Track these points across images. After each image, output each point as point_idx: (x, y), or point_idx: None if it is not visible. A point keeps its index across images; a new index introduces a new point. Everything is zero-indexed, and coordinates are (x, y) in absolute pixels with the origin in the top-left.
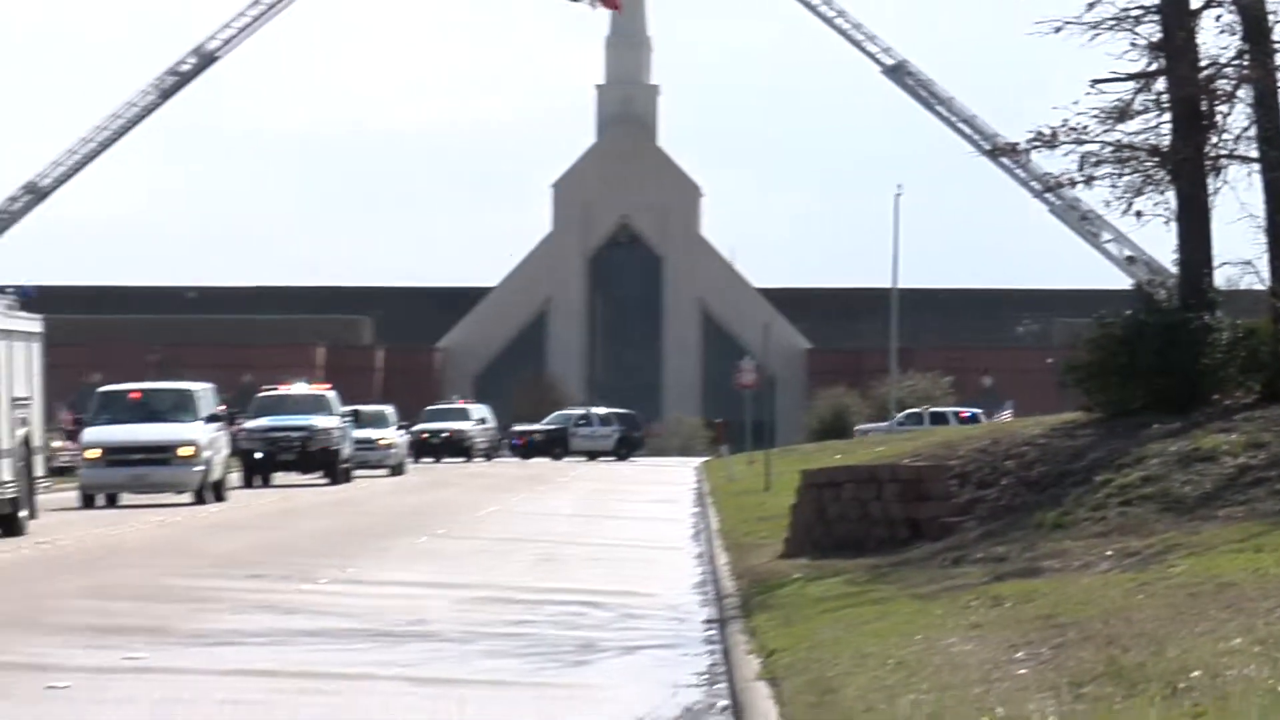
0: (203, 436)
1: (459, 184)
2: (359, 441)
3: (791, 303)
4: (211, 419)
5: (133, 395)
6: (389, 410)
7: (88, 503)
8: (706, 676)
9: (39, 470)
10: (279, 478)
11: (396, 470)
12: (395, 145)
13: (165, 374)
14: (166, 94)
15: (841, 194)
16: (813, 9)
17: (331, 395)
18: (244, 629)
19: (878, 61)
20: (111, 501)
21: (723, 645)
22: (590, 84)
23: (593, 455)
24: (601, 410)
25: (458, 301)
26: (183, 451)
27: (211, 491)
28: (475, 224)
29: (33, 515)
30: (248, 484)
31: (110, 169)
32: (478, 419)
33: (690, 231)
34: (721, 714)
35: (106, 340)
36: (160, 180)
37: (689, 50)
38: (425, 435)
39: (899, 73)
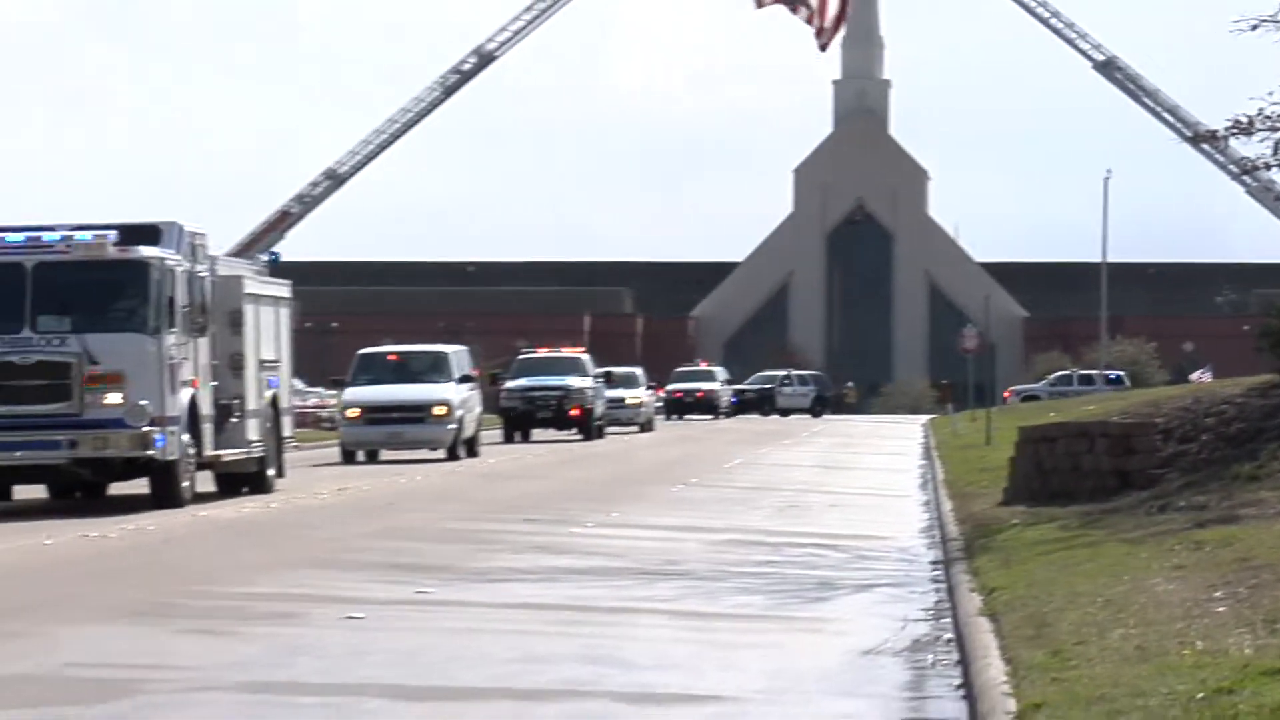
0: (455, 396)
1: (710, 169)
2: (611, 400)
3: (1010, 275)
4: (464, 379)
5: (390, 357)
6: (639, 372)
7: (348, 459)
8: (933, 612)
9: (286, 430)
10: (536, 434)
11: (645, 427)
12: (653, 134)
13: (450, 340)
14: (450, 90)
15: (1056, 176)
16: (1029, 10)
17: (585, 358)
18: (520, 567)
19: (1089, 58)
20: (371, 458)
21: (947, 584)
22: (828, 79)
23: (785, 412)
24: (800, 373)
25: (709, 274)
26: (437, 410)
27: (464, 448)
28: (724, 205)
29: (280, 474)
30: (508, 439)
31: (400, 157)
32: (723, 380)
33: (918, 211)
34: (946, 646)
35: (397, 310)
36: (444, 166)
37: (918, 47)
38: (679, 394)
39: (1109, 68)
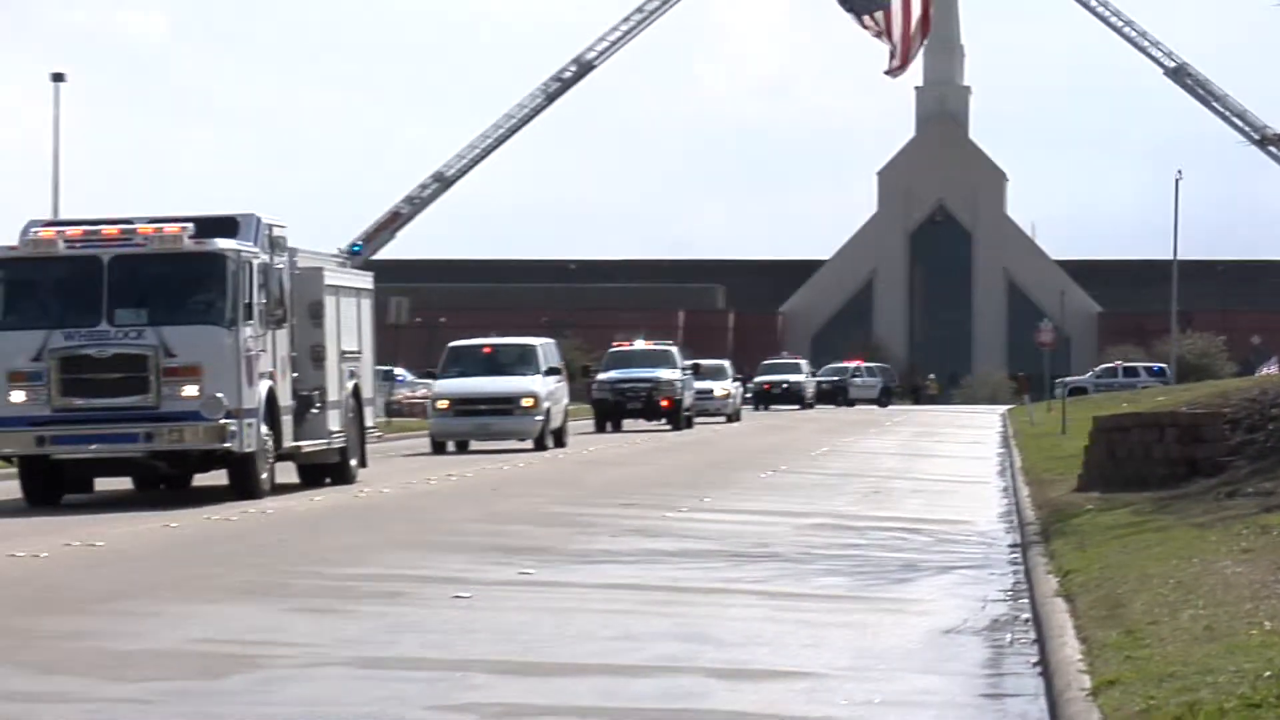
0: (542, 388)
1: (798, 172)
2: (699, 392)
3: (1085, 272)
4: (551, 372)
5: (482, 350)
6: (726, 364)
7: (437, 449)
8: (1011, 593)
9: (369, 421)
10: (626, 425)
11: (732, 417)
12: (743, 139)
13: (553, 334)
14: (551, 97)
15: (1129, 177)
16: (1104, 20)
17: (674, 350)
18: (618, 549)
19: (1160, 64)
20: (461, 448)
21: (1025, 566)
22: (910, 86)
23: (853, 403)
24: (869, 365)
25: (797, 272)
26: (524, 402)
27: (551, 438)
28: (812, 206)
29: (363, 463)
30: (599, 430)
31: (505, 160)
32: (807, 372)
33: (997, 211)
34: (1024, 625)
35: (503, 305)
36: (546, 169)
37: (997, 55)
38: (767, 386)
39: (1179, 74)
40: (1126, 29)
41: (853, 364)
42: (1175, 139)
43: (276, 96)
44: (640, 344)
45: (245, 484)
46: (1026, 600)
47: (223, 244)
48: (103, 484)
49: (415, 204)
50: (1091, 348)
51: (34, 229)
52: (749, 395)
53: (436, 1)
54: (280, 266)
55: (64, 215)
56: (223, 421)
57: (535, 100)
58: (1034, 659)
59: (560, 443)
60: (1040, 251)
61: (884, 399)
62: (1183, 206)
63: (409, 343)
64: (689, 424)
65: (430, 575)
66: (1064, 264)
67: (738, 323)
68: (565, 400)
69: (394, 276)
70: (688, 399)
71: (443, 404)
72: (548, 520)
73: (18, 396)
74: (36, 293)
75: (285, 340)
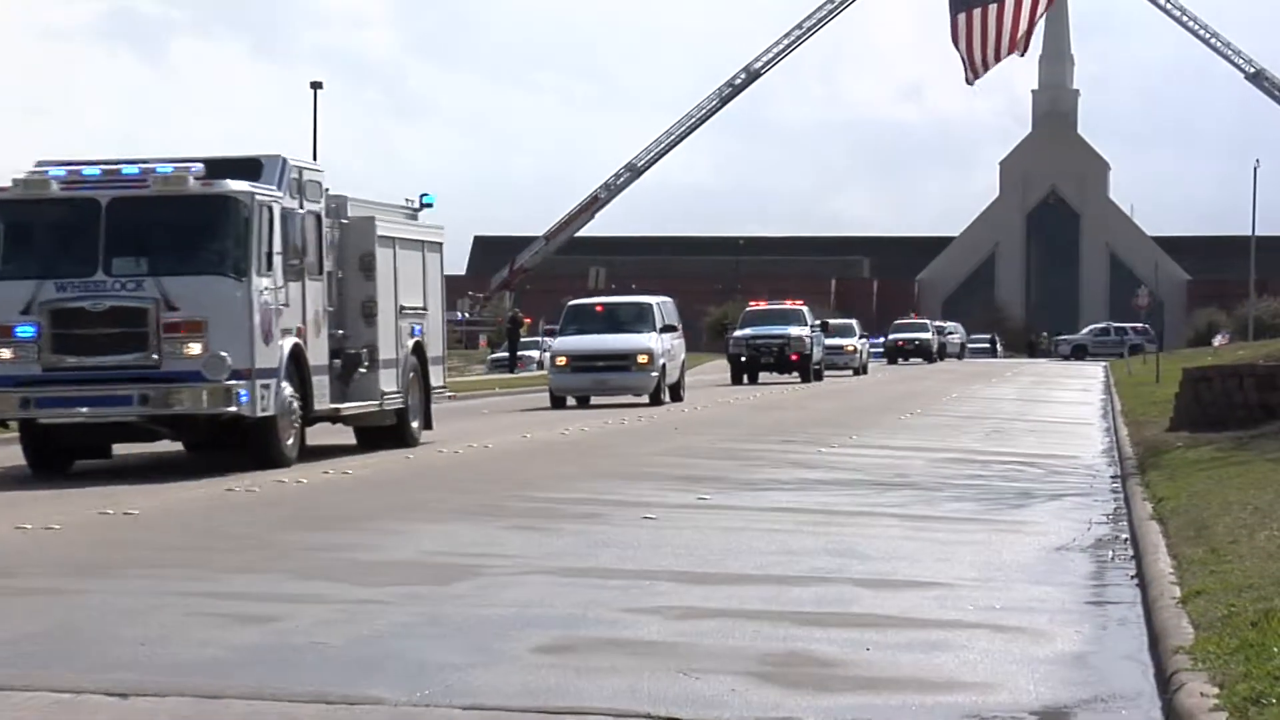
0: (658, 345)
1: (933, 162)
2: (829, 347)
3: (1176, 246)
4: (666, 329)
5: (598, 308)
6: (854, 323)
7: (556, 404)
8: (1112, 516)
9: (436, 380)
10: (763, 378)
11: (859, 371)
12: (883, 132)
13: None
14: (724, 100)
15: (1214, 165)
16: (1192, 31)
17: (805, 309)
18: (779, 478)
19: (1241, 69)
20: (582, 403)
21: (1124, 494)
22: (1027, 89)
23: (943, 357)
24: (948, 324)
25: (930, 246)
26: (640, 359)
27: (668, 393)
28: (944, 191)
29: (427, 425)
30: (735, 382)
31: (685, 153)
32: (933, 330)
33: (1101, 195)
34: (1123, 544)
35: (683, 274)
36: (719, 160)
37: (1101, 62)
38: (901, 342)
39: (1258, 78)
40: (1212, 40)
41: (948, 324)
42: (1254, 133)
43: (491, 101)
44: (773, 304)
45: (263, 452)
46: (1125, 523)
47: (234, 186)
48: (131, 449)
49: (611, 190)
50: (1181, 311)
51: (41, 169)
52: (883, 351)
53: (626, 19)
54: (309, 212)
55: None
56: (229, 383)
57: (711, 102)
58: (1131, 572)
59: (677, 397)
60: (1138, 229)
61: (961, 353)
62: (1261, 189)
63: None
64: (819, 377)
65: (624, 500)
66: (1158, 239)
67: (880, 289)
68: (682, 356)
69: (593, 250)
70: (817, 354)
71: (561, 360)
72: (720, 454)
73: (4, 354)
74: (29, 239)
75: (319, 294)
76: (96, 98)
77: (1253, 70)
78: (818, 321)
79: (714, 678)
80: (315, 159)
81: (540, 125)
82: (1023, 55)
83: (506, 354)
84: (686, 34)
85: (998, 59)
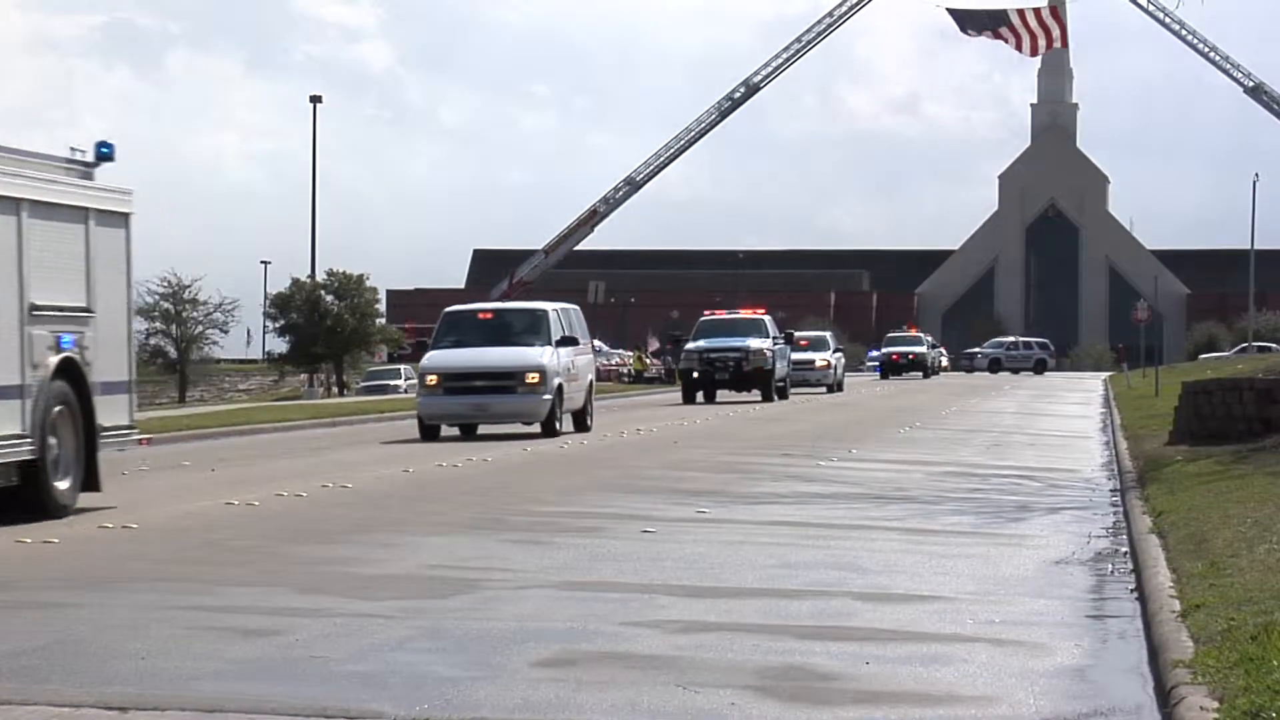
0: (552, 361)
1: (932, 175)
2: (798, 362)
3: (1176, 259)
4: (564, 342)
5: (481, 315)
6: (828, 335)
7: (428, 435)
8: (1111, 530)
9: (113, 417)
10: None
11: (834, 388)
12: (881, 146)
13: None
14: (724, 114)
15: (1213, 179)
16: (1191, 45)
17: (767, 319)
18: (778, 492)
19: (1240, 83)
20: (468, 432)
21: (1123, 507)
22: (1026, 103)
23: (937, 371)
24: (929, 338)
25: (929, 260)
26: (530, 378)
27: (570, 421)
28: (943, 203)
29: (91, 485)
30: (687, 401)
31: (684, 166)
32: (929, 344)
33: (1100, 209)
34: (1122, 558)
35: (682, 287)
36: (719, 173)
37: (1100, 75)
38: (895, 356)
39: (1257, 91)
40: (1211, 53)
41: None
42: (1253, 146)
43: (487, 113)
44: (730, 313)
45: None
46: (1125, 536)
47: None
48: None
49: (610, 203)
50: (1181, 324)
51: None
52: (878, 365)
53: (622, 32)
54: None
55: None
56: None
57: (710, 116)
58: (1131, 586)
59: (582, 425)
60: (1137, 242)
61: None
62: (1260, 203)
63: (605, 318)
64: (783, 395)
65: (624, 513)
66: (1158, 253)
67: (880, 302)
68: (590, 376)
69: (592, 263)
70: (780, 369)
71: (431, 379)
72: (720, 467)
73: None
74: None
75: None
76: (93, 109)
77: (1252, 84)
78: (782, 333)
79: (713, 691)
80: (315, 173)
81: (537, 138)
82: (1033, 54)
83: None
84: (682, 47)
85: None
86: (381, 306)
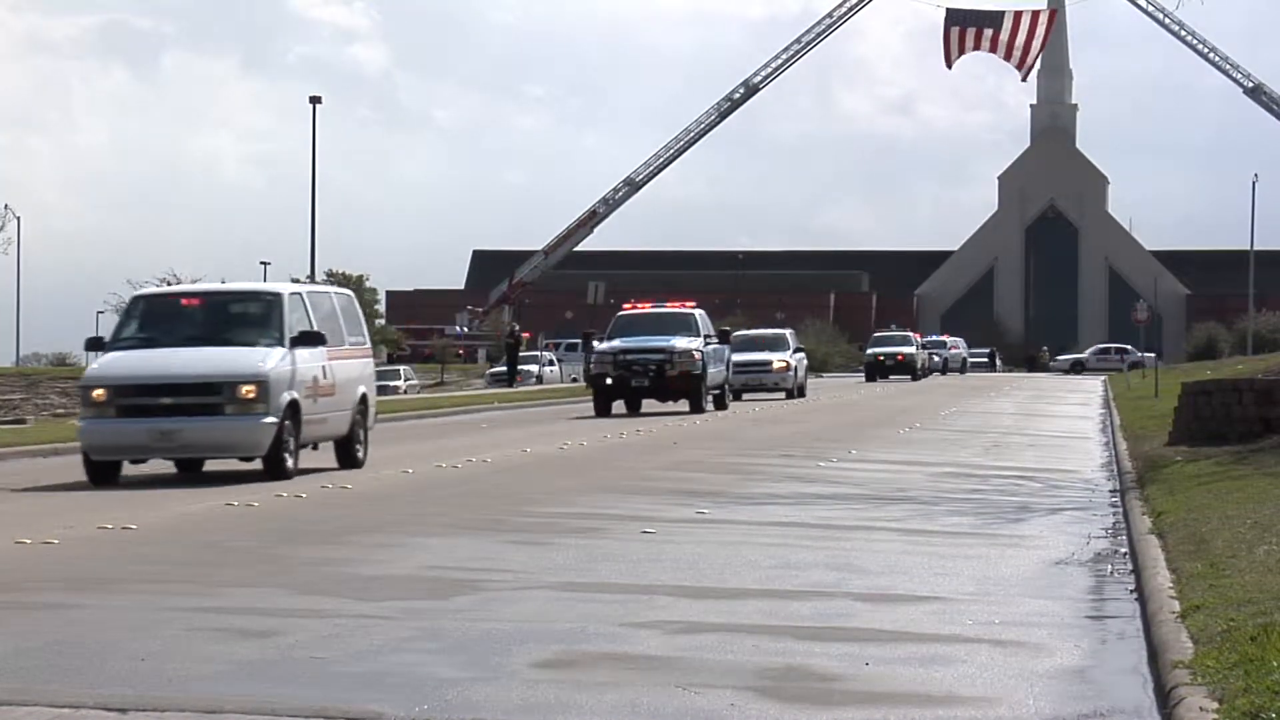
0: (281, 368)
1: (924, 175)
2: (750, 364)
3: (1176, 260)
4: (303, 339)
5: (185, 301)
6: (788, 333)
7: (95, 476)
8: (1111, 530)
9: None
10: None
11: (794, 393)
12: (878, 146)
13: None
14: (723, 114)
15: (1213, 179)
16: (1192, 47)
17: (698, 314)
18: (778, 492)
19: (1240, 84)
20: (188, 468)
21: (1123, 508)
22: (1026, 104)
23: (928, 373)
24: (953, 339)
25: (928, 260)
26: (243, 391)
27: (338, 452)
28: (943, 204)
29: None
30: (600, 414)
31: (684, 167)
32: (919, 344)
33: (1099, 209)
34: (1122, 558)
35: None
36: (718, 173)
37: (1100, 76)
38: (881, 357)
39: (1256, 92)
40: (1211, 54)
41: (938, 337)
42: (1253, 146)
43: (484, 114)
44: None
45: None
46: (1124, 537)
47: None
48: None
49: (609, 204)
50: (1181, 325)
51: None
52: (861, 366)
53: (618, 33)
54: None
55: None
56: None
57: (709, 117)
58: (1131, 586)
59: (350, 459)
60: (1137, 243)
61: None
62: (1260, 204)
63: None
64: (719, 405)
65: (623, 514)
66: (1157, 254)
67: (879, 303)
68: (363, 389)
69: (592, 264)
70: (713, 374)
71: (98, 393)
72: (720, 468)
73: None
74: None
75: None
76: (89, 111)
77: (1251, 84)
78: (714, 331)
79: (713, 692)
80: (314, 174)
81: (534, 138)
82: (1024, 80)
83: (505, 369)
84: (679, 48)
85: (977, 47)
86: (381, 307)
